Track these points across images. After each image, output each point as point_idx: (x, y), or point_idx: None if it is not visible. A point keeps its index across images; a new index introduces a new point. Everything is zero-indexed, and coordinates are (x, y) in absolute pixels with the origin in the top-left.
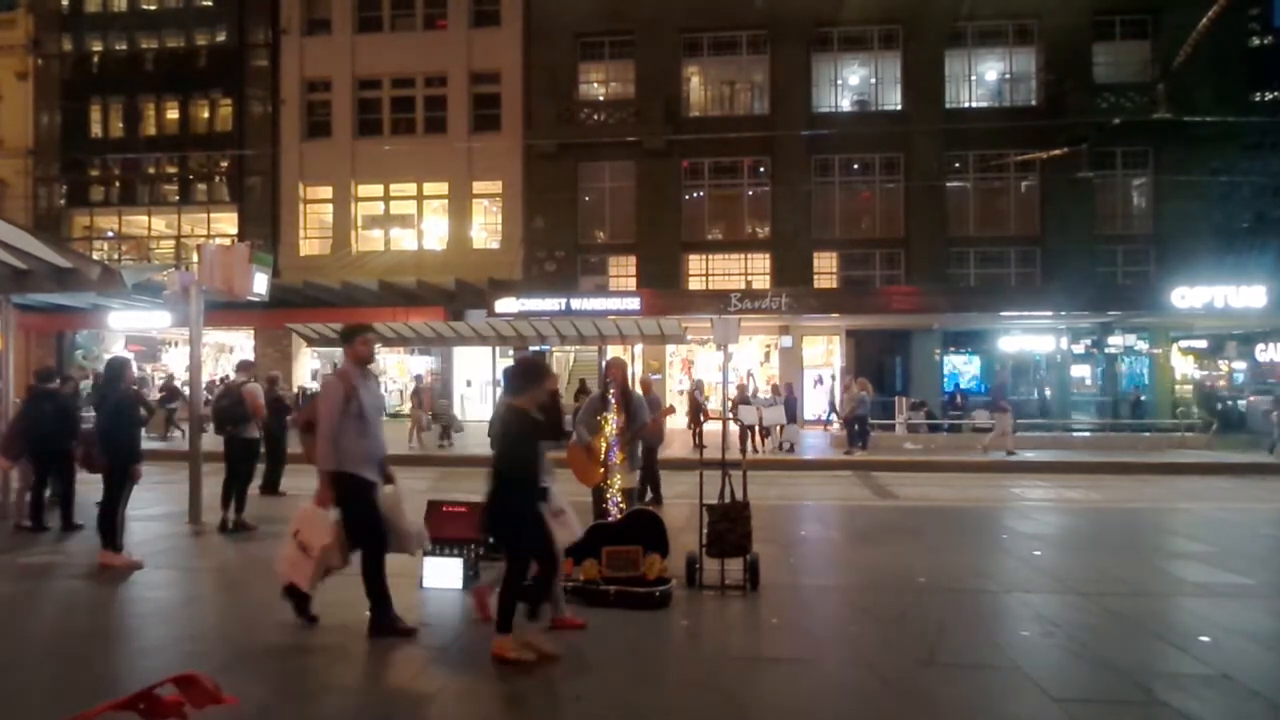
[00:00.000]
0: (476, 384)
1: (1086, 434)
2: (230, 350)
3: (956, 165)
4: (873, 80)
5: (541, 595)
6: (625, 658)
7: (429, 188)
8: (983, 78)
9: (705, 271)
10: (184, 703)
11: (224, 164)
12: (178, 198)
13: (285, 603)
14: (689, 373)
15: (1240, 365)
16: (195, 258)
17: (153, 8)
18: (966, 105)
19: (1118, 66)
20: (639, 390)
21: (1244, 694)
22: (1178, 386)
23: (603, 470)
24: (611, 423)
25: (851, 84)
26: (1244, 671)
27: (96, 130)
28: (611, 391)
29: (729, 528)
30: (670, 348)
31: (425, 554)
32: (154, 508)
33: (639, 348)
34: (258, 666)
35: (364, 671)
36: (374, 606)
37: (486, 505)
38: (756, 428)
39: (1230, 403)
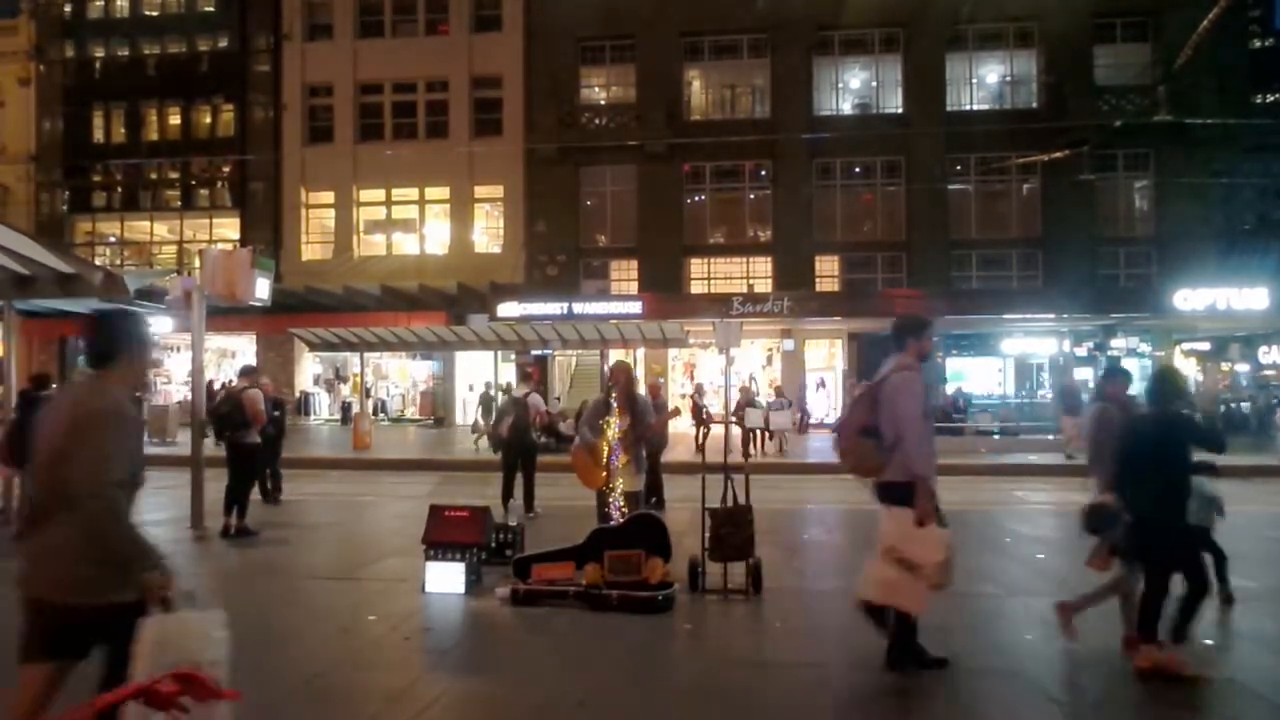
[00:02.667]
0: (478, 388)
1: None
2: (232, 355)
3: (958, 168)
4: (874, 83)
5: (1190, 616)
6: (628, 662)
7: (430, 192)
8: (984, 80)
9: (707, 275)
10: (182, 693)
11: (226, 169)
12: (180, 203)
13: (868, 623)
14: (691, 376)
15: (1243, 367)
16: (197, 263)
17: (154, 14)
18: (968, 108)
19: (1119, 69)
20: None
21: (1249, 697)
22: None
23: (605, 473)
24: (614, 426)
25: (853, 87)
26: (1248, 675)
27: (99, 136)
28: (614, 395)
29: (731, 532)
30: (672, 351)
31: (427, 558)
32: (156, 513)
33: (641, 351)
34: (260, 671)
35: (366, 676)
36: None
37: (1140, 516)
38: (758, 431)
39: (1233, 405)
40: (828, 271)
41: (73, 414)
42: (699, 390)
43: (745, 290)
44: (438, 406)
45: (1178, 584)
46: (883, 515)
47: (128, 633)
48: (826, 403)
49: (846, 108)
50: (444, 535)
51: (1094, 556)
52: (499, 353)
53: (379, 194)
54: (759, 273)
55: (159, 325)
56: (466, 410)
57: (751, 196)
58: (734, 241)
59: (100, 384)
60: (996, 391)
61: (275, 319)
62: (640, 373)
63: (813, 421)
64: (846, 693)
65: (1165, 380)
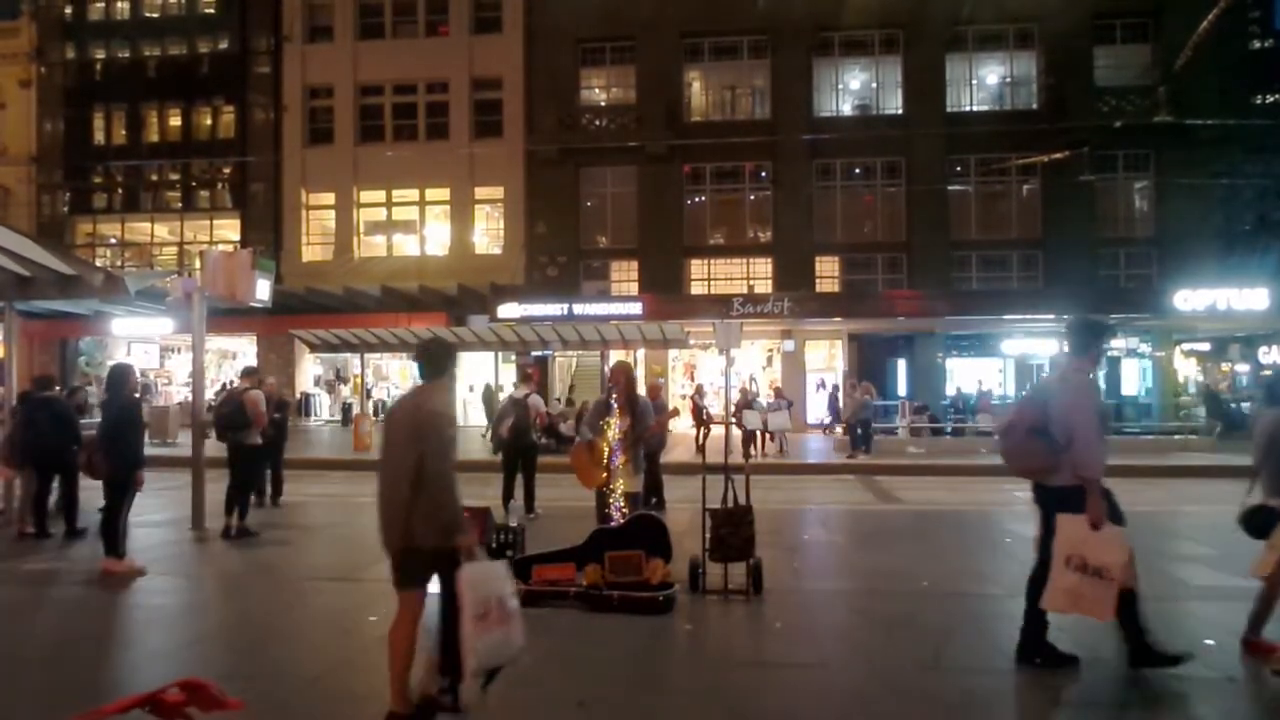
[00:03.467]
0: (479, 389)
1: None
2: (233, 356)
3: (958, 169)
4: (874, 84)
5: None
6: (628, 663)
7: (431, 193)
8: (984, 81)
9: (707, 276)
10: (189, 703)
11: (226, 170)
12: (180, 204)
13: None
14: (691, 377)
15: (1243, 368)
16: (198, 264)
17: (155, 15)
18: (968, 109)
19: (1119, 70)
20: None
21: (1249, 697)
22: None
23: (605, 474)
24: (614, 426)
25: (853, 88)
26: (1249, 675)
27: (99, 137)
28: (615, 395)
29: (732, 532)
30: (672, 352)
31: None
32: (157, 514)
33: (641, 352)
34: (261, 672)
35: (367, 677)
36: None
37: None
38: (759, 432)
39: (1234, 405)
40: (828, 272)
41: (415, 416)
42: (699, 391)
43: (745, 291)
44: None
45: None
46: (1058, 522)
47: (452, 570)
48: (826, 403)
49: (847, 109)
50: None
51: (1260, 561)
52: (499, 354)
53: (379, 195)
54: (759, 273)
55: (160, 326)
56: (467, 411)
57: (752, 197)
58: (734, 242)
59: (432, 393)
60: (997, 392)
61: (276, 320)
62: (640, 373)
63: (812, 422)
64: (847, 693)
65: None
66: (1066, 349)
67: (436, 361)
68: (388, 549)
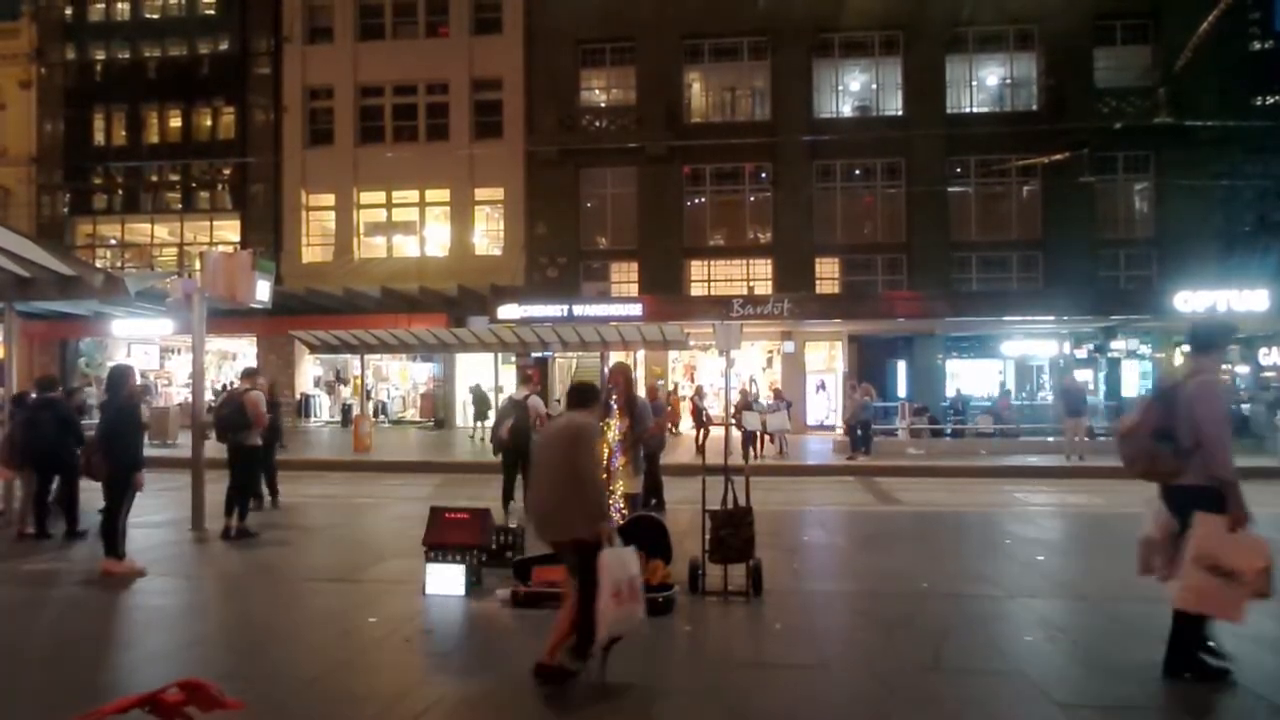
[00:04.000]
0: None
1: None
2: (233, 357)
3: (958, 170)
4: (874, 85)
5: None
6: (628, 664)
7: (431, 194)
8: (984, 82)
9: (707, 277)
10: (188, 703)
11: (227, 171)
12: (180, 205)
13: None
14: (691, 378)
15: (1243, 369)
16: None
17: (155, 16)
18: (968, 110)
19: (1119, 71)
20: (645, 396)
21: (1249, 698)
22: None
23: (605, 476)
24: (614, 428)
25: (853, 89)
26: (1249, 675)
27: (100, 138)
28: (615, 397)
29: (732, 533)
30: (673, 353)
31: (427, 560)
32: (157, 515)
33: (641, 353)
34: (261, 673)
35: (366, 678)
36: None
37: None
38: (759, 433)
39: (1234, 406)
40: (828, 273)
41: (570, 432)
42: (699, 392)
43: (745, 292)
44: (438, 408)
45: None
46: (1195, 521)
47: (593, 556)
48: (826, 405)
49: (847, 110)
50: (444, 537)
51: None
52: (499, 355)
53: (379, 196)
54: (759, 275)
55: (160, 327)
56: (467, 412)
57: (751, 198)
58: (734, 243)
59: (584, 415)
60: (997, 393)
61: (276, 321)
62: (640, 375)
63: (812, 423)
64: (846, 695)
65: None
66: (1189, 349)
67: (582, 396)
68: (546, 540)
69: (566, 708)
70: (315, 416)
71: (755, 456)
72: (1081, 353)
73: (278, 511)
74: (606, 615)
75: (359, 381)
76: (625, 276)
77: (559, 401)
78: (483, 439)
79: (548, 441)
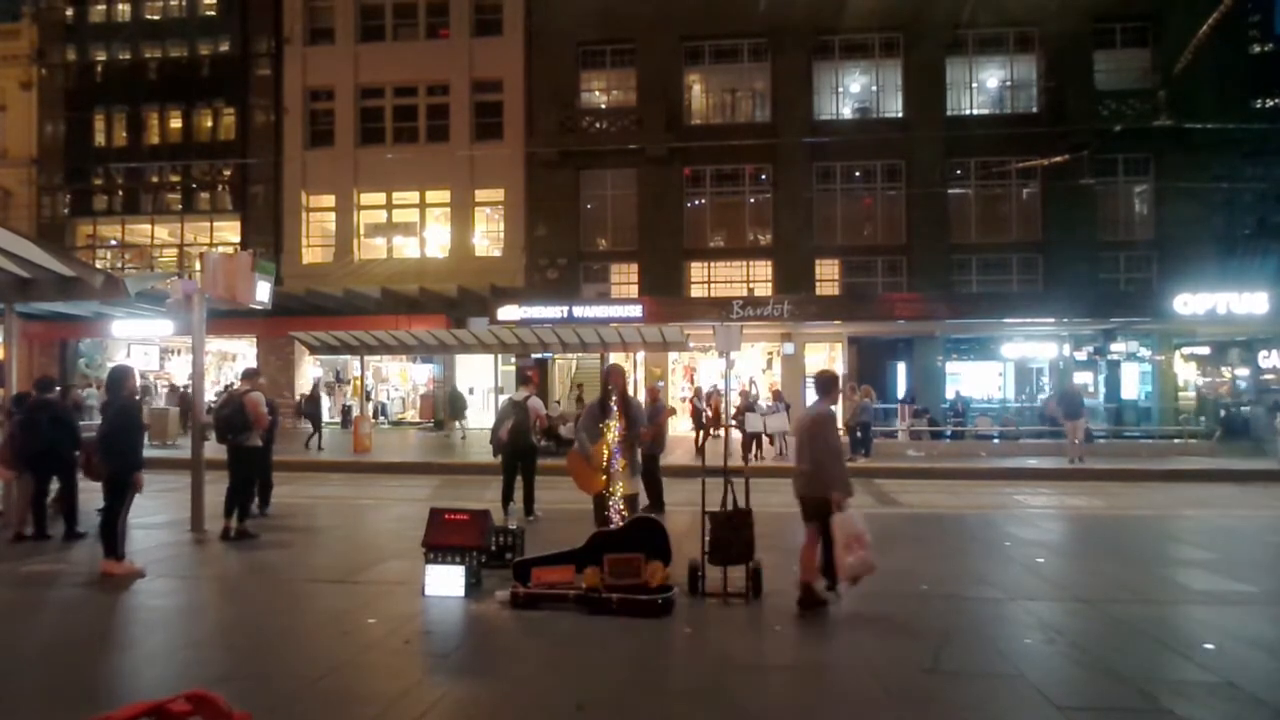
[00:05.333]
0: (479, 391)
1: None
2: (233, 358)
3: (958, 172)
4: (874, 87)
5: None
6: (627, 665)
7: (431, 196)
8: (984, 85)
9: (707, 279)
10: (194, 714)
11: (227, 173)
12: (181, 206)
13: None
14: (691, 380)
15: (1243, 372)
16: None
17: (156, 18)
18: (968, 112)
19: (1119, 73)
20: (643, 397)
21: (1249, 702)
22: (1180, 393)
23: (605, 478)
24: (614, 429)
25: (853, 91)
26: (1248, 679)
27: (100, 140)
28: (614, 399)
29: (731, 535)
30: (672, 355)
31: (427, 561)
32: (156, 515)
33: (641, 355)
34: (260, 674)
35: (366, 679)
36: None
37: None
38: (760, 435)
39: (1234, 409)
40: (828, 275)
41: (814, 419)
42: (698, 394)
43: (745, 294)
44: (438, 409)
45: None
46: None
47: (829, 514)
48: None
49: (847, 112)
50: (444, 538)
51: None
52: (499, 356)
53: (379, 197)
54: (759, 276)
55: (160, 328)
56: (467, 413)
57: (752, 200)
58: (734, 245)
59: (823, 404)
60: (996, 395)
61: (276, 322)
62: (640, 376)
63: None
64: (846, 696)
65: None
66: None
67: (828, 382)
68: (800, 494)
69: (564, 708)
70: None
71: (755, 458)
72: (1081, 355)
73: (275, 515)
74: (842, 562)
75: (359, 382)
76: (625, 278)
77: (558, 403)
78: (463, 438)
79: (803, 424)
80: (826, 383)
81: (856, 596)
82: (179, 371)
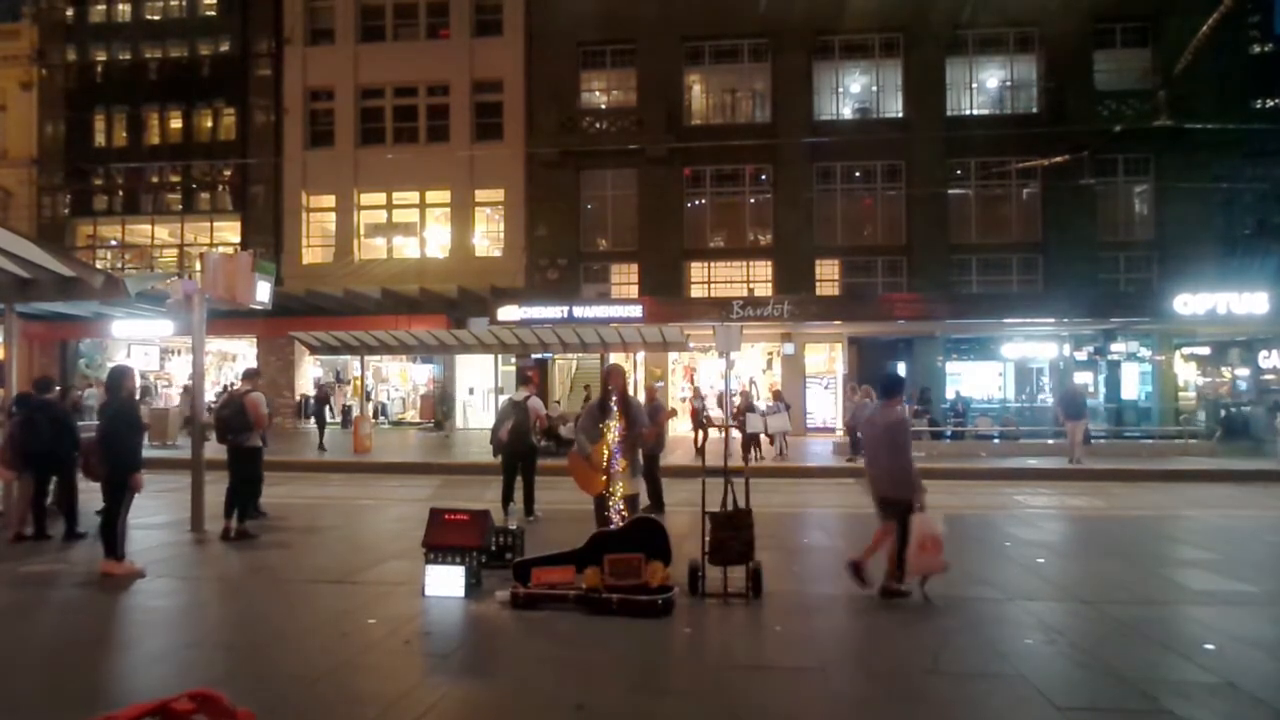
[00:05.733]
0: (479, 391)
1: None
2: (233, 358)
3: (958, 172)
4: (874, 88)
5: None
6: (627, 665)
7: (431, 196)
8: (984, 85)
9: (707, 279)
10: (198, 712)
11: (227, 173)
12: (181, 207)
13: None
14: (691, 380)
15: (1243, 372)
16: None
17: (156, 18)
18: (968, 112)
19: (1119, 74)
20: (642, 398)
21: (1249, 702)
22: (1180, 393)
23: (605, 478)
24: (614, 430)
25: (853, 91)
26: (1249, 679)
27: (100, 140)
28: (614, 399)
29: (731, 535)
30: (672, 355)
31: (427, 562)
32: (156, 516)
33: (641, 355)
34: (260, 675)
35: (366, 680)
36: None
37: None
38: (760, 435)
39: (1234, 409)
40: (828, 275)
41: (886, 420)
42: (698, 394)
43: (745, 294)
44: (438, 410)
45: None
46: None
47: (907, 514)
48: (830, 406)
49: (847, 112)
50: (444, 539)
51: None
52: (499, 356)
53: (380, 198)
54: (759, 276)
55: (160, 328)
56: (467, 414)
57: (752, 200)
58: (734, 245)
59: (893, 406)
60: (996, 395)
61: (276, 322)
62: (640, 376)
63: (813, 425)
64: (846, 697)
65: None
66: None
67: (896, 382)
68: (877, 495)
69: (564, 709)
70: (309, 418)
71: (756, 458)
72: (1081, 355)
73: (275, 515)
74: (912, 560)
75: (359, 382)
76: (625, 278)
77: (558, 403)
78: (448, 436)
79: (870, 426)
80: (893, 384)
81: (857, 597)
82: (179, 372)
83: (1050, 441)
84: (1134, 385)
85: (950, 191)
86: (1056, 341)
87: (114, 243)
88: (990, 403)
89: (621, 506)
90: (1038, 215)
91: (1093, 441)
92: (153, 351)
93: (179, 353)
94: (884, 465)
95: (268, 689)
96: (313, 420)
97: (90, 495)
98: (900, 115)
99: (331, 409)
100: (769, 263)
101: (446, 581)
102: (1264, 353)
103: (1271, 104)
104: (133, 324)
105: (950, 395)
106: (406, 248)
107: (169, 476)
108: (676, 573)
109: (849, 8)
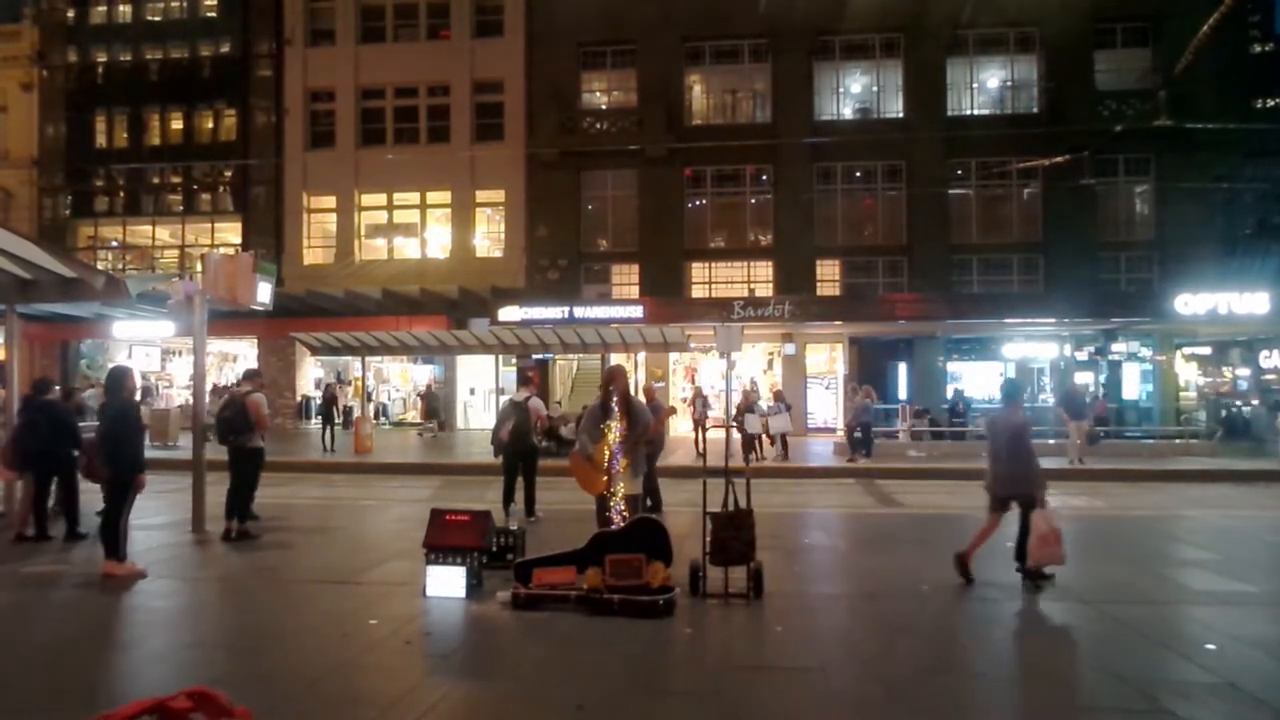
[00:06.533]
0: (480, 392)
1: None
2: (234, 359)
3: (959, 172)
4: (874, 88)
5: None
6: (629, 666)
7: (432, 197)
8: (984, 85)
9: (708, 279)
10: (195, 710)
11: (228, 174)
12: (182, 208)
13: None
14: (692, 380)
15: (1244, 372)
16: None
17: (157, 19)
18: (968, 112)
19: (1119, 74)
20: (642, 398)
21: (1249, 702)
22: (1181, 393)
23: (606, 478)
24: (615, 430)
25: (853, 91)
26: (1249, 679)
27: (101, 141)
28: (615, 400)
29: (732, 536)
30: (673, 355)
31: (428, 562)
32: (158, 516)
33: (642, 355)
34: (261, 675)
35: (367, 680)
36: None
37: None
38: (761, 435)
39: (1235, 409)
40: (828, 276)
41: (1010, 422)
42: (698, 394)
43: (746, 294)
44: (430, 409)
45: None
46: None
47: (1029, 509)
48: (830, 406)
49: (847, 112)
50: (445, 539)
51: None
52: (500, 357)
53: (380, 198)
54: (760, 277)
55: (161, 329)
56: (468, 414)
57: (752, 201)
58: (735, 246)
59: (1014, 411)
60: (997, 396)
61: (277, 323)
62: (641, 376)
63: (814, 425)
64: (847, 697)
65: None
66: None
67: (1013, 392)
68: (1002, 495)
69: (564, 709)
70: (316, 418)
71: (756, 458)
72: (1082, 355)
73: (276, 516)
74: (1034, 551)
75: (360, 383)
76: (626, 279)
77: (559, 403)
78: (433, 435)
79: (994, 427)
80: (1013, 390)
81: (858, 597)
82: (180, 373)
83: (1051, 441)
84: (1135, 385)
85: (951, 191)
86: (1057, 341)
87: (115, 244)
88: (991, 403)
89: (623, 507)
90: (1038, 215)
91: (1094, 442)
92: (154, 352)
93: (180, 353)
94: (1007, 464)
95: (269, 689)
96: (318, 420)
97: (91, 496)
98: (901, 115)
99: (337, 409)
100: (770, 263)
101: (447, 582)
102: (1265, 352)
103: (1272, 104)
104: (134, 325)
105: (951, 395)
106: (407, 248)
107: (170, 477)
108: (677, 573)
109: (849, 8)
